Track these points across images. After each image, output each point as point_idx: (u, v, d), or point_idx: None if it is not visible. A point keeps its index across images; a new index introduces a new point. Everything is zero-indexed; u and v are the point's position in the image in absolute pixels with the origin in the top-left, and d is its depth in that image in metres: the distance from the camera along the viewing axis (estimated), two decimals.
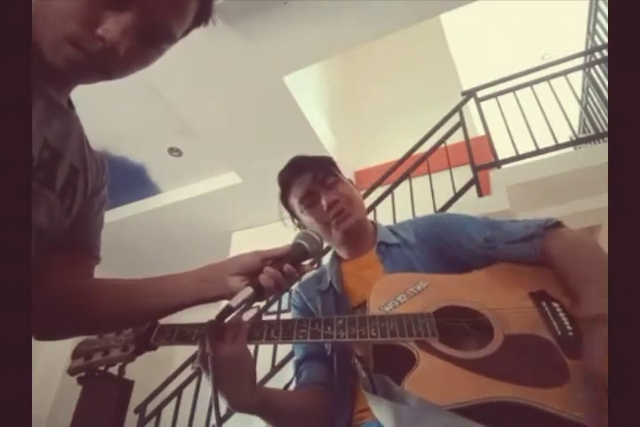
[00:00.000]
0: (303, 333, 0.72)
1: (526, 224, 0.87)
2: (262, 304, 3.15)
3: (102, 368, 0.71)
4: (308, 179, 0.98)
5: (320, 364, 0.90)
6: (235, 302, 0.63)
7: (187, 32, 0.59)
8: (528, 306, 0.73)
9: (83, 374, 0.71)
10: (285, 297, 3.53)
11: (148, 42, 0.54)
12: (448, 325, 0.71)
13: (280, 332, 0.72)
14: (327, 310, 0.92)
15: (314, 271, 1.08)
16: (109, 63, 0.53)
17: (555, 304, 0.73)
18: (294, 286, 1.06)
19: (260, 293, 0.64)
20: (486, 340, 0.68)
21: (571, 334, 0.67)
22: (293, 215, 1.05)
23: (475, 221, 0.95)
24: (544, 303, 0.73)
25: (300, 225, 1.05)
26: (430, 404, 0.58)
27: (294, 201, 1.00)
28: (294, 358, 0.96)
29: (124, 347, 0.70)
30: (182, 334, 0.74)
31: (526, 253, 0.82)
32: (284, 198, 1.04)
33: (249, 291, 0.63)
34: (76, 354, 0.71)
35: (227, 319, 0.67)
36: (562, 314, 0.70)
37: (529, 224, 0.87)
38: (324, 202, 0.95)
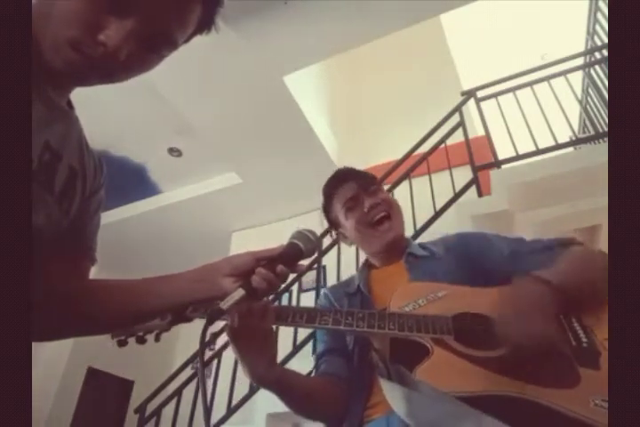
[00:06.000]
0: (325, 319, 0.75)
1: (549, 239, 0.93)
2: None
3: (141, 334, 0.75)
4: (353, 186, 1.03)
5: (339, 358, 0.93)
6: (225, 304, 0.62)
7: (188, 39, 0.59)
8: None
9: (123, 337, 0.76)
10: (285, 297, 3.53)
11: (149, 48, 0.54)
12: (464, 328, 0.73)
13: (304, 316, 0.76)
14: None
15: (345, 279, 1.12)
16: (110, 68, 0.53)
17: (572, 319, 0.74)
18: (323, 290, 1.10)
19: (251, 294, 0.63)
20: (499, 344, 0.69)
21: (585, 345, 0.68)
22: (333, 226, 1.09)
23: (502, 237, 0.99)
24: (562, 317, 0.74)
25: (340, 236, 1.09)
26: (439, 391, 0.60)
27: (337, 207, 1.05)
28: (316, 351, 1.01)
29: (162, 316, 0.73)
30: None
31: (548, 259, 0.84)
32: (327, 209, 1.09)
33: (240, 292, 0.62)
34: None
35: (217, 321, 0.67)
36: (578, 328, 0.72)
37: (554, 238, 0.92)
38: (366, 204, 1.00)
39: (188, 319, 0.74)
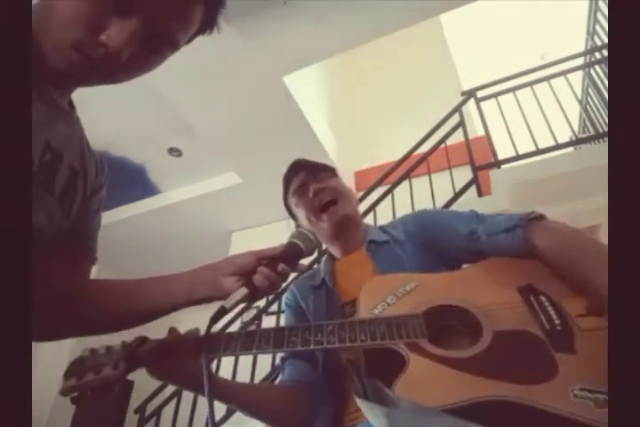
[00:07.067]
0: (294, 340, 0.71)
1: (510, 216, 0.88)
2: (262, 304, 3.15)
3: (96, 387, 0.67)
4: (303, 175, 1.05)
5: (304, 362, 0.91)
6: (228, 303, 0.63)
7: (190, 39, 0.59)
8: (516, 301, 0.73)
9: (75, 394, 0.68)
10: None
11: (151, 49, 0.54)
12: (437, 324, 0.71)
13: (271, 341, 0.72)
14: (319, 305, 0.93)
15: (309, 271, 1.10)
16: (111, 69, 0.53)
17: (542, 298, 0.72)
18: (290, 285, 1.08)
19: (254, 293, 0.64)
20: (476, 337, 0.68)
21: (559, 327, 0.67)
22: (292, 215, 1.09)
23: (460, 216, 0.95)
24: (532, 297, 0.73)
25: (298, 225, 1.07)
26: (422, 407, 0.58)
27: (291, 198, 1.06)
28: (282, 355, 0.98)
29: (115, 365, 0.67)
30: None
31: (509, 244, 0.83)
32: (285, 198, 1.09)
33: (243, 292, 0.63)
34: (67, 374, 0.68)
35: (221, 320, 0.67)
36: (550, 308, 0.70)
37: (513, 216, 0.87)
38: (311, 189, 1.00)
39: (145, 365, 0.71)
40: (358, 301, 0.79)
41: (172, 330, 0.73)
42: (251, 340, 0.72)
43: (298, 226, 1.06)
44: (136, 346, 0.69)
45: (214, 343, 0.72)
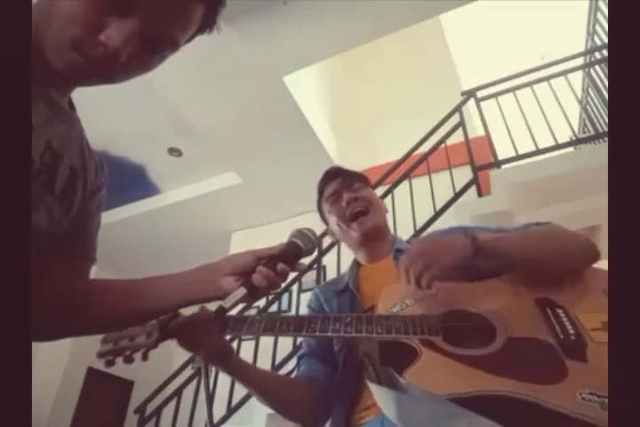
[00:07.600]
0: (313, 327, 0.75)
1: (528, 223, 0.93)
2: (262, 304, 3.14)
3: (128, 353, 0.75)
4: (337, 182, 1.08)
5: (319, 361, 0.94)
6: (227, 303, 0.63)
7: (190, 39, 0.59)
8: (532, 312, 0.75)
9: (110, 357, 0.76)
10: (285, 297, 3.53)
11: (150, 49, 0.53)
12: (452, 326, 0.73)
13: (291, 325, 0.76)
14: (342, 309, 0.96)
15: (334, 278, 1.14)
16: (110, 69, 0.53)
17: (559, 310, 0.74)
18: (314, 289, 1.11)
19: (253, 293, 0.64)
20: (489, 342, 0.70)
21: (573, 337, 0.68)
22: (324, 220, 1.13)
23: (484, 228, 0.99)
24: (548, 309, 0.75)
25: (328, 232, 1.12)
26: (429, 394, 0.60)
27: (324, 204, 1.09)
28: (300, 350, 1.01)
29: (148, 334, 0.75)
30: None
31: None
32: (319, 207, 1.13)
33: (242, 291, 0.63)
34: (105, 341, 0.77)
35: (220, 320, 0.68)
36: (565, 319, 0.72)
37: (530, 223, 0.92)
38: (344, 198, 1.03)
39: (175, 336, 0.75)
40: (378, 300, 0.82)
41: (202, 308, 0.78)
42: (272, 323, 0.77)
43: (327, 230, 1.11)
44: (169, 319, 0.75)
45: (237, 323, 0.78)
